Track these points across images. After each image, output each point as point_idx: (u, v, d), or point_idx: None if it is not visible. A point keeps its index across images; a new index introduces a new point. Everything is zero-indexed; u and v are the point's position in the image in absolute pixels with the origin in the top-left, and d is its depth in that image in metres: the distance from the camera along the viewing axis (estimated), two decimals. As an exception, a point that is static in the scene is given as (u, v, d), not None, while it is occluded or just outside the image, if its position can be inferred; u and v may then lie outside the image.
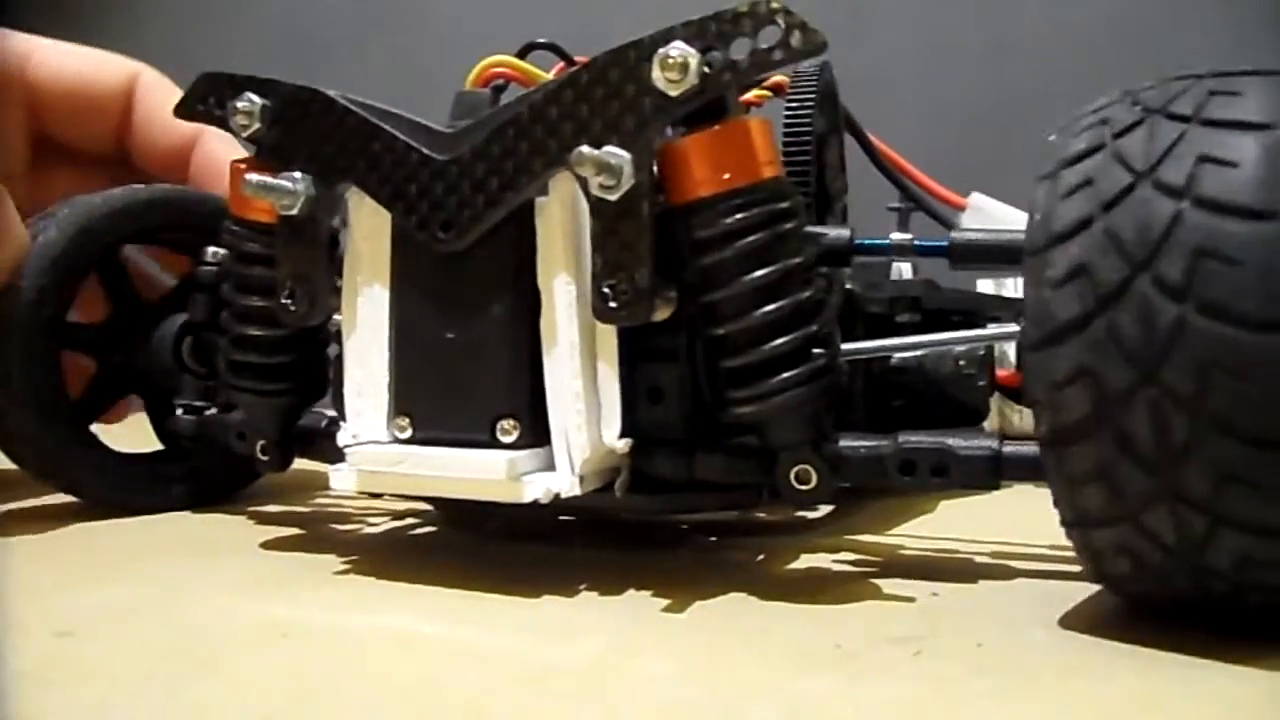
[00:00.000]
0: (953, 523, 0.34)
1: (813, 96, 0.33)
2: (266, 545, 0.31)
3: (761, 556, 0.30)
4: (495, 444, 0.26)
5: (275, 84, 0.28)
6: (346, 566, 0.29)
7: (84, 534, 0.31)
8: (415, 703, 0.20)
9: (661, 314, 0.25)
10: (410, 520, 0.36)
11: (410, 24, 0.84)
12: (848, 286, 0.32)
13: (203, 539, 0.32)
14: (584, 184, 0.25)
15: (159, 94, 0.42)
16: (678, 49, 0.24)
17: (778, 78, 0.32)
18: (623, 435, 0.26)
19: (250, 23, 0.92)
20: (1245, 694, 0.19)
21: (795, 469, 0.25)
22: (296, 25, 0.90)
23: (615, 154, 0.24)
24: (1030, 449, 0.26)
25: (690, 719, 0.19)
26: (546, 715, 0.19)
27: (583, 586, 0.27)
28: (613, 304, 0.25)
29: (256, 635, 0.23)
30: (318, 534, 0.33)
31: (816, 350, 0.25)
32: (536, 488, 0.25)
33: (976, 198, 0.44)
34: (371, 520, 0.36)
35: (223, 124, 0.29)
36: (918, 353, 0.37)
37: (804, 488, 0.25)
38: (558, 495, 0.25)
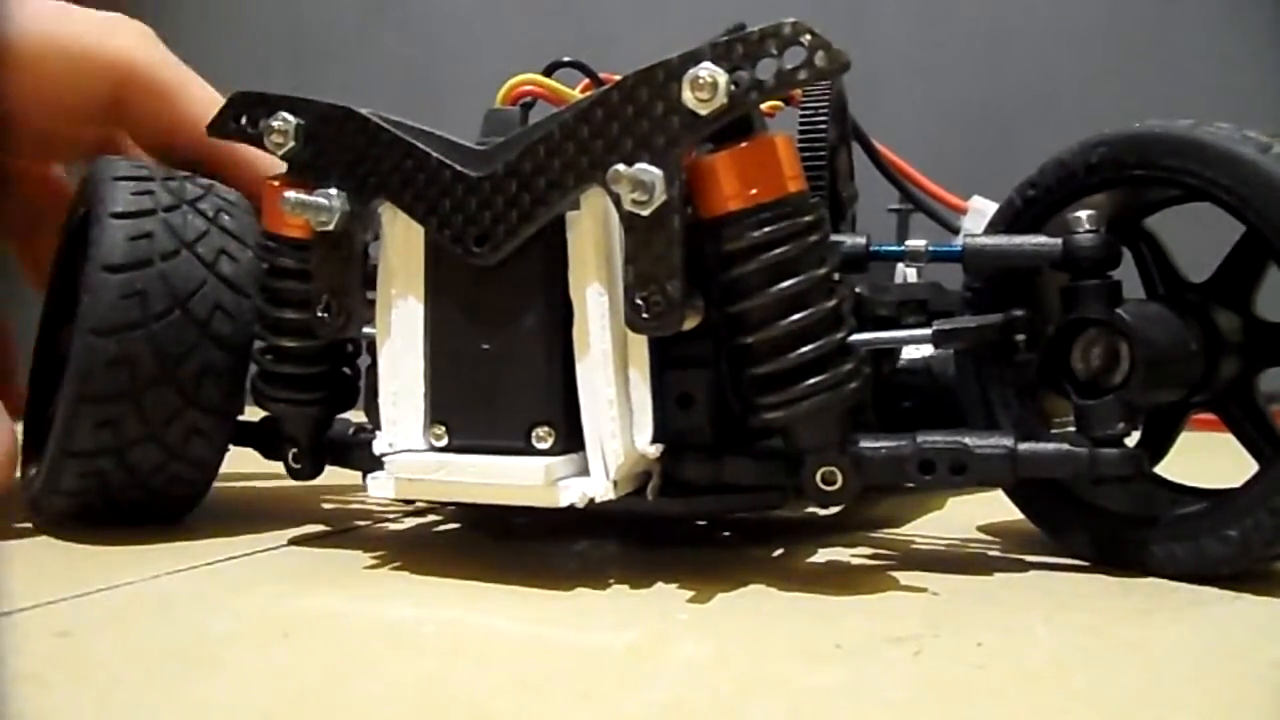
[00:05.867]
0: (959, 521, 0.35)
1: (826, 107, 0.34)
2: (267, 544, 0.32)
3: (780, 552, 0.31)
4: (531, 451, 0.27)
5: (309, 102, 0.29)
6: (368, 563, 0.29)
7: (84, 535, 0.31)
8: (422, 699, 0.19)
9: (691, 323, 0.26)
10: (432, 519, 0.36)
11: (411, 25, 0.85)
12: (857, 290, 0.33)
13: (202, 539, 0.32)
14: (616, 199, 0.25)
15: (149, 101, 0.36)
16: (706, 69, 0.25)
17: (791, 89, 0.33)
18: (654, 440, 0.27)
19: (250, 23, 0.92)
20: (1247, 692, 0.20)
21: (821, 470, 0.26)
22: (297, 26, 0.90)
23: (648, 171, 0.25)
24: (1045, 446, 0.27)
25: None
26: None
27: (611, 580, 0.27)
28: (645, 314, 0.25)
29: (256, 635, 0.23)
30: (325, 533, 0.34)
31: (841, 356, 0.26)
32: (572, 493, 0.26)
33: (977, 200, 0.45)
34: (388, 519, 0.36)
35: (256, 142, 0.30)
36: (925, 355, 0.39)
37: (830, 488, 0.26)
38: (593, 500, 0.26)
